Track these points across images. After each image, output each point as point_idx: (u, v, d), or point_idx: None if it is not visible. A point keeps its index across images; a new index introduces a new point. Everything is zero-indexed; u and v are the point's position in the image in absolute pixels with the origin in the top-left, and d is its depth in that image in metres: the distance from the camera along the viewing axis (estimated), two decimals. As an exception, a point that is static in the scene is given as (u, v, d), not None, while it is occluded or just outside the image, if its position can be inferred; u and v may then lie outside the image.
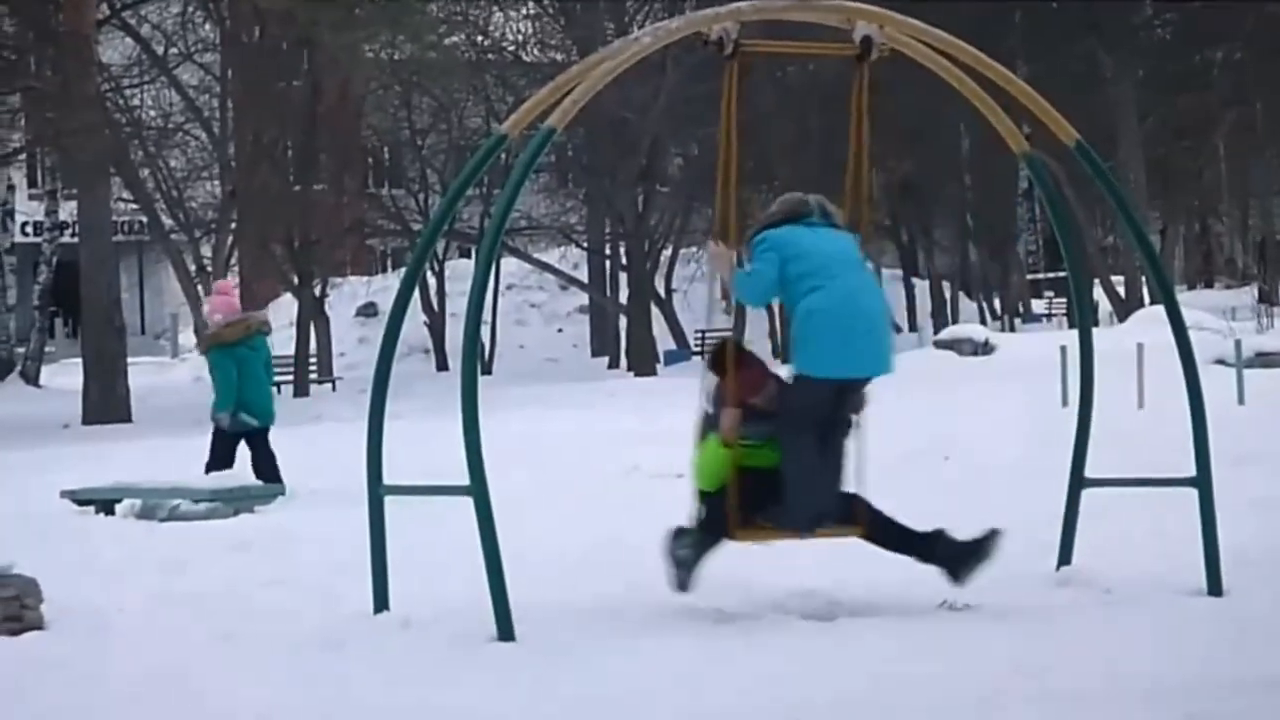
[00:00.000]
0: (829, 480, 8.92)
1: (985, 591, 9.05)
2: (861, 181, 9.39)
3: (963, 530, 8.98)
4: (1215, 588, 9.12)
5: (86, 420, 31.39)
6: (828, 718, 6.85)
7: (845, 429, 9.02)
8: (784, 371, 9.07)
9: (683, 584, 8.93)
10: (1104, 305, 43.98)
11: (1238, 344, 21.95)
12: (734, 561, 10.07)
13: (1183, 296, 37.49)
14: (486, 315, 45.66)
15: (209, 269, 38.99)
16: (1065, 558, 9.72)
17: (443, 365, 47.54)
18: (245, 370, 15.16)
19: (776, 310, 31.12)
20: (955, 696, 7.05)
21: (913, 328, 52.57)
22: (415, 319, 46.32)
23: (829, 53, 10.13)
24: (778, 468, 8.82)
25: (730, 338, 9.20)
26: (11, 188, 46.61)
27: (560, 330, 55.53)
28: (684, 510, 9.60)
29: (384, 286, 51.14)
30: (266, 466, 14.99)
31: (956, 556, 8.93)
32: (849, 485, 9.04)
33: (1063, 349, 19.08)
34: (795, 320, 8.87)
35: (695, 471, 9.10)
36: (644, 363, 42.23)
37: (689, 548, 8.94)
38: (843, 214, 9.23)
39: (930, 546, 9.00)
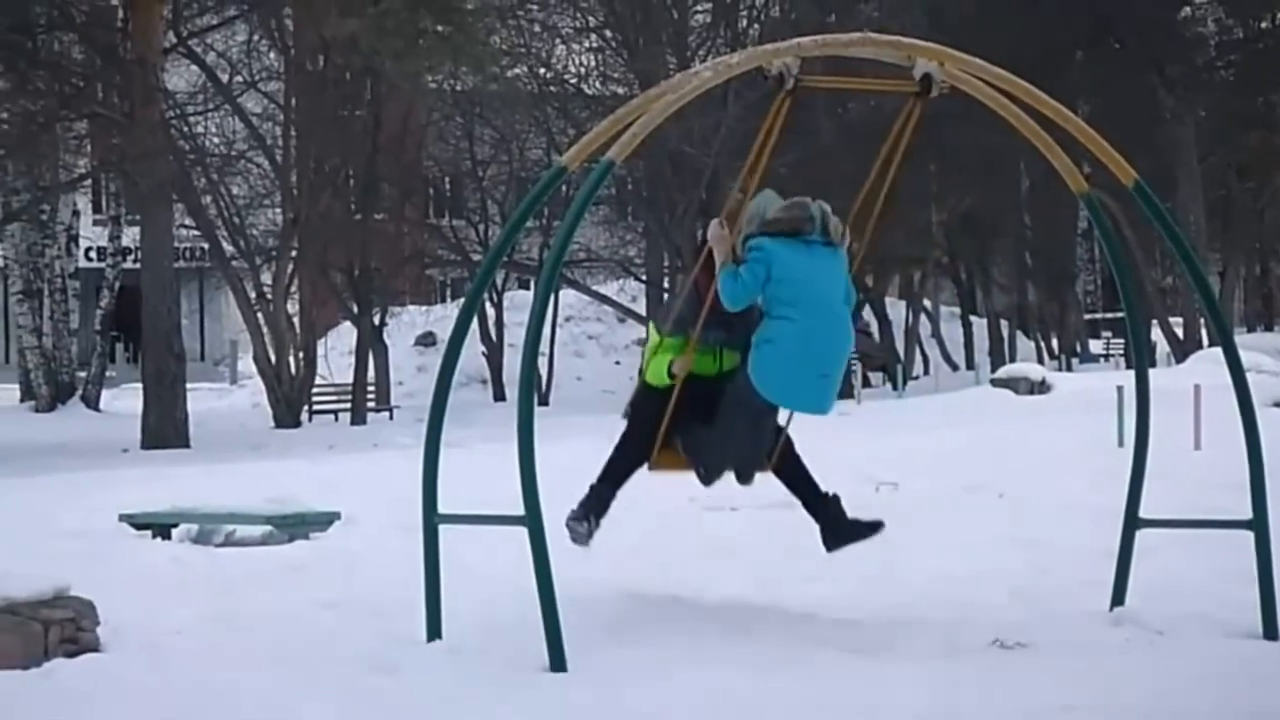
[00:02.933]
0: (749, 450, 9.47)
1: (1037, 630, 9.03)
2: (874, 206, 9.71)
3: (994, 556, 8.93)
4: (1271, 631, 9.08)
5: (145, 444, 31.52)
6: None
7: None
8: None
9: (580, 542, 9.55)
10: (1162, 346, 43.75)
11: (1296, 387, 21.82)
12: (781, 596, 10.08)
13: (1241, 339, 37.27)
14: (544, 346, 45.75)
15: (269, 296, 39.18)
16: (1119, 598, 9.69)
17: (500, 395, 47.61)
18: None
19: None
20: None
21: (970, 365, 52.40)
22: (473, 349, 46.43)
23: (889, 89, 10.14)
24: (718, 379, 9.40)
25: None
26: (76, 213, 46.98)
27: (618, 363, 55.53)
28: (737, 542, 9.61)
29: (443, 316, 51.30)
30: None
31: (838, 525, 9.56)
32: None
33: (1119, 389, 18.95)
34: (758, 334, 9.24)
35: (649, 368, 9.62)
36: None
37: (585, 522, 9.55)
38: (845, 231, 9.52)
39: (824, 505, 9.61)
